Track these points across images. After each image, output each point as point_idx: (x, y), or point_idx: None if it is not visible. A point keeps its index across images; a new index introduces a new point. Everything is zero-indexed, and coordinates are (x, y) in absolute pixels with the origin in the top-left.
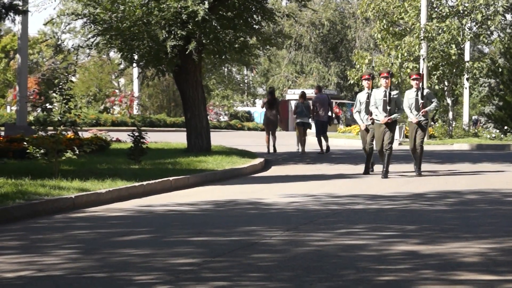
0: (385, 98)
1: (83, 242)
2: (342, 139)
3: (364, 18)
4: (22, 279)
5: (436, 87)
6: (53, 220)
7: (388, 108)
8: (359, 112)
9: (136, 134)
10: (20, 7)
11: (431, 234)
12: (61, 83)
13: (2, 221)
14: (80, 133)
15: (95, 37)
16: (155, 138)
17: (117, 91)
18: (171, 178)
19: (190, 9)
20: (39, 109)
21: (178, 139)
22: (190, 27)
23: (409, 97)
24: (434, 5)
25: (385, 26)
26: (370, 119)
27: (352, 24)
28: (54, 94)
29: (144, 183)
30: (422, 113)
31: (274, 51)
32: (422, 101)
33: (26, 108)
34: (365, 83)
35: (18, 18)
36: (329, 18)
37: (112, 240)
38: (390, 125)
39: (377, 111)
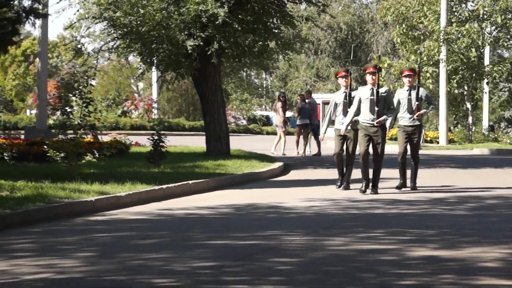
0: (372, 97)
1: (103, 245)
2: None
3: (383, 23)
4: (42, 281)
5: (456, 91)
6: (73, 223)
7: (376, 109)
8: (332, 114)
9: (156, 137)
10: (40, 11)
11: (451, 238)
12: (80, 87)
13: (22, 224)
14: (99, 136)
15: (114, 41)
16: (174, 142)
17: (135, 95)
18: (190, 182)
19: (210, 12)
20: (58, 113)
21: (197, 143)
22: (210, 31)
23: (401, 97)
24: (454, 9)
25: (404, 31)
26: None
27: (371, 28)
28: (73, 98)
29: (164, 186)
30: (416, 116)
31: (292, 55)
32: (417, 102)
33: (45, 112)
34: (341, 81)
35: (38, 22)
36: (347, 23)
37: (132, 243)
38: (379, 131)
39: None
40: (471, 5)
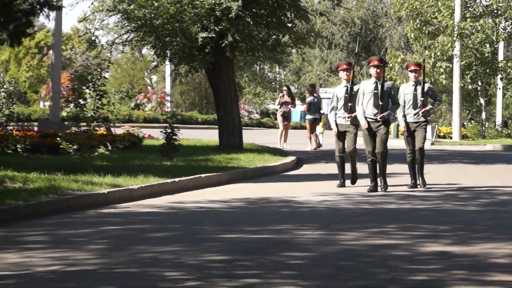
0: (376, 91)
1: (115, 237)
2: None
3: (397, 18)
4: (54, 273)
5: (469, 86)
6: (85, 215)
7: (380, 103)
8: (335, 109)
9: (169, 131)
10: (55, 3)
11: (463, 234)
12: (94, 79)
13: (35, 216)
14: (112, 129)
15: (128, 34)
16: (187, 135)
17: (149, 88)
18: (203, 175)
19: (224, 6)
20: (72, 105)
21: (210, 136)
22: (224, 24)
23: (406, 92)
24: (468, 5)
25: (418, 26)
26: (348, 118)
27: (385, 23)
28: (87, 90)
29: (176, 179)
30: (421, 112)
31: (306, 49)
32: (422, 98)
33: (59, 104)
34: (342, 75)
35: (52, 14)
36: (361, 17)
37: (143, 236)
38: (383, 126)
39: (362, 109)
40: (486, 0)
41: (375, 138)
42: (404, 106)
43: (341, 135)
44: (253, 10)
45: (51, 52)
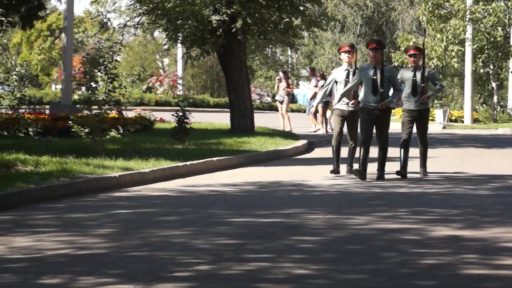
0: (375, 77)
1: (126, 221)
2: None
3: (409, 1)
4: (65, 257)
5: (481, 70)
6: (97, 198)
7: (381, 90)
8: (328, 91)
9: (180, 114)
10: None
11: (474, 218)
12: (106, 62)
13: (46, 199)
14: (124, 112)
15: (140, 17)
16: (198, 119)
17: (160, 71)
18: (214, 159)
19: None
20: (83, 88)
21: (221, 120)
22: (235, 7)
23: (405, 78)
24: None
25: (430, 9)
26: (352, 104)
27: (397, 6)
28: (99, 73)
29: (188, 163)
30: (422, 100)
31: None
32: (423, 84)
33: (71, 87)
34: (344, 57)
35: None
36: (373, 0)
37: (155, 220)
38: (384, 115)
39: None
40: None
41: (372, 126)
42: (404, 92)
43: (340, 121)
44: None
45: (63, 35)
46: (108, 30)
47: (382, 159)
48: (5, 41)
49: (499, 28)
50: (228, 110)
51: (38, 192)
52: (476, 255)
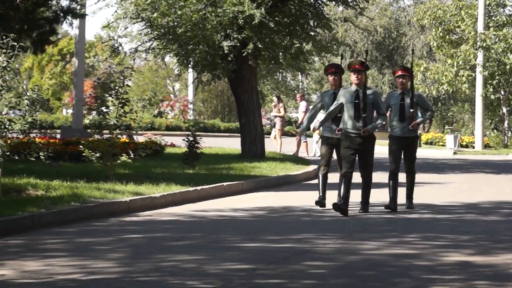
0: (357, 101)
1: (137, 246)
2: None
3: (420, 26)
4: (76, 282)
5: (492, 96)
6: (107, 223)
7: (363, 115)
8: (315, 116)
9: (191, 139)
10: (78, 11)
11: (485, 244)
12: (117, 87)
13: (57, 223)
14: (134, 137)
15: (151, 41)
16: (209, 143)
17: (171, 95)
18: (225, 184)
19: (247, 13)
20: (94, 113)
21: (232, 144)
22: (246, 32)
23: (392, 102)
24: (491, 14)
25: (441, 34)
26: (338, 131)
27: (407, 31)
28: (110, 98)
29: (198, 188)
30: (411, 126)
31: (329, 57)
32: (411, 110)
33: (82, 111)
34: (330, 79)
35: (76, 22)
36: (384, 25)
37: (165, 245)
38: (367, 143)
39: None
40: (509, 10)
41: (354, 156)
42: (391, 117)
43: (329, 149)
44: (276, 18)
45: (74, 59)
46: (119, 55)
47: (365, 191)
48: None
49: (510, 54)
50: (239, 135)
51: (49, 216)
52: (487, 281)
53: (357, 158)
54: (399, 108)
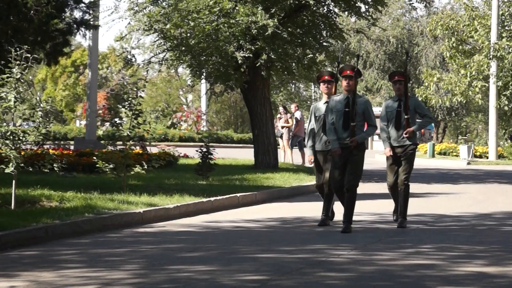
0: (346, 109)
1: (151, 257)
2: None
3: (432, 36)
4: None
5: (506, 107)
6: (121, 234)
7: (351, 123)
8: (313, 133)
9: (204, 150)
10: (91, 22)
11: (499, 255)
12: (130, 98)
13: (71, 235)
14: (148, 148)
15: (164, 53)
16: (222, 154)
17: (184, 106)
18: (238, 195)
19: (260, 24)
20: (108, 124)
21: (245, 155)
22: (259, 43)
23: (388, 110)
24: (505, 24)
25: (454, 45)
26: (329, 143)
27: (420, 42)
28: (123, 109)
29: (212, 199)
30: (406, 134)
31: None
32: (406, 116)
33: (95, 123)
34: (322, 88)
35: (89, 33)
36: (396, 36)
37: (179, 256)
38: (354, 153)
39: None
40: None
41: (343, 168)
42: (388, 126)
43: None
44: (289, 29)
45: (87, 70)
46: (132, 66)
47: (348, 207)
48: (30, 77)
49: None
50: (252, 145)
51: (63, 227)
52: None
53: None
54: (396, 115)
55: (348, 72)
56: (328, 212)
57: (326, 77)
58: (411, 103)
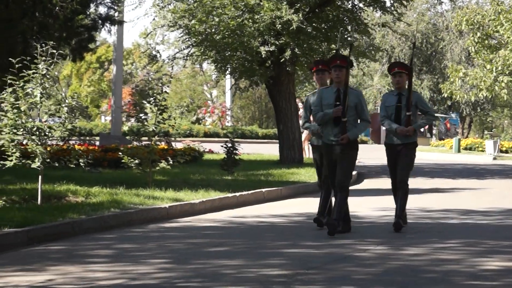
0: (337, 103)
1: (177, 252)
2: (435, 153)
3: (458, 31)
4: (119, 287)
5: None
6: (147, 229)
7: (343, 119)
8: (307, 123)
9: (229, 145)
10: (116, 18)
11: None
12: (155, 94)
13: (97, 230)
14: (173, 143)
15: (189, 48)
16: (247, 150)
17: (209, 102)
18: (263, 190)
19: (285, 19)
20: (133, 120)
21: (270, 150)
22: (284, 38)
23: (387, 104)
24: None
25: (479, 39)
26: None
27: (445, 36)
28: (148, 105)
29: (237, 194)
30: (407, 132)
31: (369, 63)
32: (408, 113)
33: (120, 118)
34: (316, 78)
35: (114, 29)
36: (421, 30)
37: (205, 250)
38: (345, 152)
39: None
40: None
41: (334, 167)
42: (386, 121)
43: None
44: (314, 24)
45: (112, 66)
46: (157, 62)
47: (338, 207)
48: (56, 73)
49: None
50: (277, 141)
51: (89, 222)
52: None
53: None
54: (395, 111)
55: (338, 62)
56: (324, 211)
57: (320, 66)
58: (413, 98)
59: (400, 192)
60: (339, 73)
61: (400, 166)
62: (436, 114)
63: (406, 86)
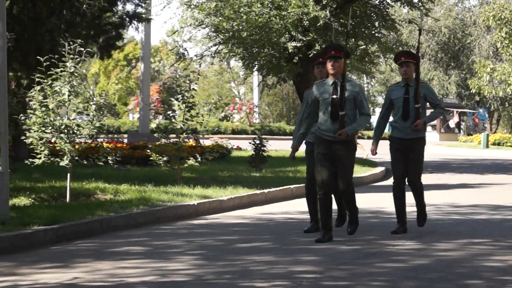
0: (334, 96)
1: (206, 248)
2: (464, 149)
3: (485, 26)
4: (147, 284)
5: None
6: (175, 226)
7: (340, 113)
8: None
9: (257, 142)
10: (144, 16)
11: None
12: (183, 91)
13: (126, 227)
14: (201, 140)
15: (217, 46)
16: (275, 146)
17: (237, 99)
18: (292, 186)
19: (312, 15)
20: (161, 117)
21: None
22: (311, 35)
23: (394, 97)
24: None
25: (507, 35)
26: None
27: (473, 32)
28: (176, 102)
29: (265, 191)
30: (415, 126)
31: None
32: (417, 105)
33: (148, 116)
34: (316, 71)
35: (141, 27)
36: (449, 26)
37: (234, 247)
38: (344, 149)
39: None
40: None
41: (332, 166)
42: (393, 115)
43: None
44: (341, 20)
45: (140, 64)
46: (184, 60)
47: (349, 204)
48: (83, 71)
49: None
50: None
51: (118, 220)
52: None
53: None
54: (403, 104)
55: (332, 52)
56: (317, 217)
57: (321, 59)
58: (422, 90)
59: (414, 193)
60: (334, 64)
61: (411, 166)
62: (447, 108)
63: (414, 76)
